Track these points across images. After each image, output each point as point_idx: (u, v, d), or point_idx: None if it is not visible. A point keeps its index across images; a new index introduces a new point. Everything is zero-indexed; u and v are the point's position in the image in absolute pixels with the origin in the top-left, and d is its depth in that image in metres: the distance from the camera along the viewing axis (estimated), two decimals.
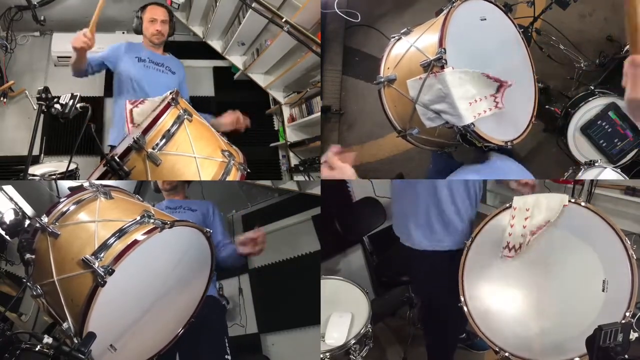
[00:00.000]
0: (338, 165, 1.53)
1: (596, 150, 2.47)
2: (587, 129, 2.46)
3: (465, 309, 1.69)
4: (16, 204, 2.47)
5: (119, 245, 1.29)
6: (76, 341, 1.23)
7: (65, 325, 1.26)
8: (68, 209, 1.42)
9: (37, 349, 1.21)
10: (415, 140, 1.73)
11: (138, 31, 2.70)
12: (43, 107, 1.66)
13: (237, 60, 4.08)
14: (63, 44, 3.97)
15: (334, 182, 2.81)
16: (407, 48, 1.64)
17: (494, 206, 3.48)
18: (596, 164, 2.33)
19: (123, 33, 4.21)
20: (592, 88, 2.55)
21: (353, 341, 1.83)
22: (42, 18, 3.59)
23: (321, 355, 1.80)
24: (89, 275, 1.24)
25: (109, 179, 1.47)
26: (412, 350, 2.63)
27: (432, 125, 1.58)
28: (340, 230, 2.79)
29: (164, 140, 1.44)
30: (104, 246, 1.28)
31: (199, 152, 1.49)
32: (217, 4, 3.49)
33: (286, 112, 4.05)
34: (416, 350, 2.60)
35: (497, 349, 1.56)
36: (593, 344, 1.15)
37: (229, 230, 3.62)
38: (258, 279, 3.72)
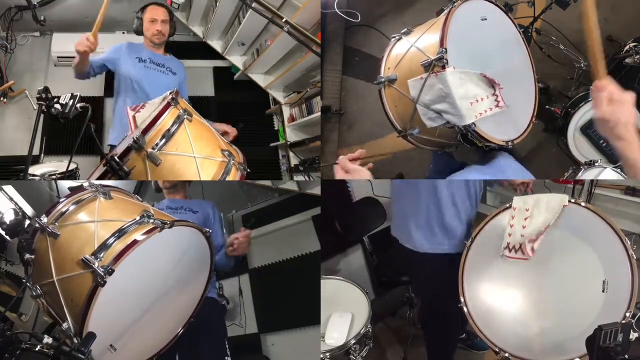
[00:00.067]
0: (353, 168, 1.54)
1: (596, 150, 2.47)
2: (587, 129, 2.46)
3: (465, 309, 1.69)
4: (16, 204, 2.47)
5: (118, 245, 1.29)
6: (76, 341, 1.23)
7: (65, 325, 1.26)
8: (67, 209, 1.41)
9: (37, 349, 1.21)
10: (415, 140, 1.72)
11: (138, 32, 2.70)
12: (43, 107, 1.66)
13: (237, 60, 4.08)
14: (63, 44, 3.97)
15: (334, 182, 2.81)
16: (407, 48, 1.64)
17: (494, 206, 3.48)
18: (596, 164, 2.33)
19: (123, 33, 4.21)
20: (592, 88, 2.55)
21: (353, 341, 1.83)
22: (42, 18, 3.59)
23: (321, 355, 1.80)
24: (88, 275, 1.24)
25: (109, 179, 1.47)
26: (412, 350, 2.63)
27: (433, 125, 1.58)
28: (340, 230, 2.79)
29: (163, 140, 1.44)
30: (104, 246, 1.28)
31: (198, 152, 1.49)
32: (217, 4, 3.49)
33: (286, 112, 4.05)
34: (416, 350, 2.60)
35: (497, 350, 1.56)
36: (593, 344, 1.15)
37: (229, 230, 3.62)
38: (258, 279, 3.72)
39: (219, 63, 4.42)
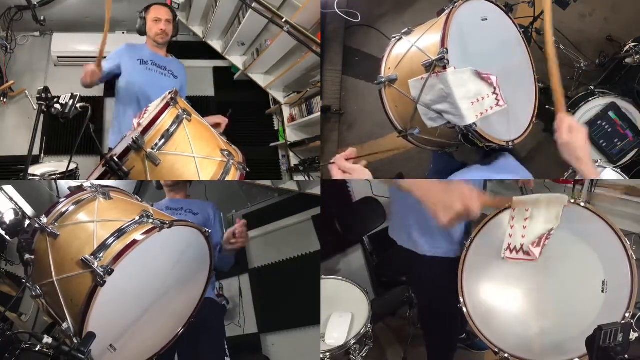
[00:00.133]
0: (352, 167, 1.52)
1: (596, 150, 2.48)
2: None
3: (464, 309, 1.69)
4: (16, 204, 2.46)
5: (118, 245, 1.29)
6: (76, 341, 1.23)
7: (65, 325, 1.26)
8: (67, 210, 1.42)
9: (37, 349, 1.21)
10: (416, 140, 1.72)
11: (142, 32, 2.69)
12: (43, 107, 1.66)
13: (237, 60, 4.08)
14: (63, 44, 3.98)
15: (334, 182, 2.81)
16: (408, 48, 1.64)
17: None
18: (596, 164, 2.33)
19: (123, 33, 4.21)
20: (592, 88, 2.55)
21: (353, 341, 1.83)
22: (42, 18, 3.59)
23: (321, 355, 1.80)
24: (88, 275, 1.24)
25: (108, 179, 1.47)
26: (412, 350, 2.63)
27: (433, 126, 1.58)
28: (340, 230, 2.79)
29: (163, 140, 1.44)
30: (103, 246, 1.28)
31: (198, 152, 1.49)
32: (217, 4, 3.49)
33: (286, 112, 4.05)
34: (416, 350, 2.60)
35: (496, 350, 1.56)
36: (593, 344, 1.15)
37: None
38: (258, 279, 3.72)
39: (219, 63, 4.42)
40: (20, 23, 3.80)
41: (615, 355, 1.12)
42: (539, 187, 2.70)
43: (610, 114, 2.43)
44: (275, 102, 4.19)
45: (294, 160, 3.97)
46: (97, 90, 4.06)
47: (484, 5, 1.71)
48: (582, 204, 1.57)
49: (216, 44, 4.14)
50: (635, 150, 2.45)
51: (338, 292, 2.13)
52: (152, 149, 1.41)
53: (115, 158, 1.41)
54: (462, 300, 1.70)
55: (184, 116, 1.50)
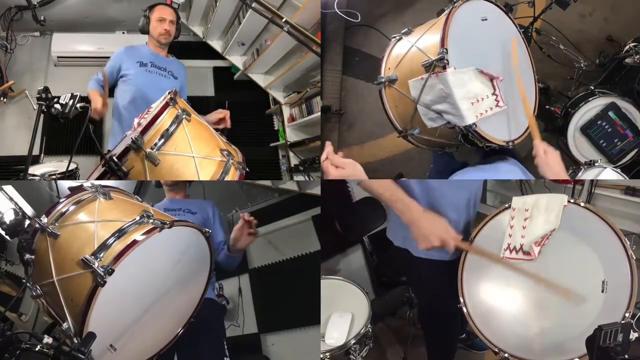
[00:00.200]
0: (344, 162, 1.50)
1: (596, 150, 2.47)
2: (587, 129, 2.46)
3: (464, 309, 1.69)
4: (16, 204, 2.47)
5: (118, 246, 1.29)
6: (76, 341, 1.23)
7: (65, 325, 1.27)
8: (67, 210, 1.42)
9: (37, 349, 1.21)
10: (416, 140, 1.72)
11: (144, 31, 2.68)
12: (43, 107, 1.66)
13: (237, 60, 4.08)
14: (63, 44, 3.98)
15: (334, 182, 2.81)
16: (408, 48, 1.64)
17: (493, 206, 3.49)
18: (596, 164, 2.33)
19: (123, 33, 4.21)
20: (592, 88, 2.55)
21: (353, 341, 1.83)
22: (42, 18, 3.59)
23: (321, 355, 1.80)
24: (88, 275, 1.24)
25: (108, 179, 1.47)
26: (412, 350, 2.63)
27: (433, 126, 1.58)
28: (340, 230, 2.78)
29: (162, 140, 1.44)
30: (104, 246, 1.28)
31: (197, 152, 1.49)
32: (217, 4, 3.49)
33: (286, 112, 4.05)
34: (416, 350, 2.60)
35: (496, 350, 1.56)
36: (593, 344, 1.15)
37: (229, 230, 3.62)
38: (258, 279, 3.72)
39: (219, 63, 4.42)
40: (20, 23, 3.80)
41: (615, 355, 1.12)
42: (539, 187, 2.70)
43: (610, 114, 2.43)
44: (275, 102, 4.19)
45: (294, 160, 3.97)
46: None
47: (484, 5, 1.71)
48: (582, 204, 1.58)
49: (216, 44, 4.14)
50: (635, 150, 2.45)
51: (338, 292, 2.13)
52: (152, 149, 1.42)
53: (114, 158, 1.41)
54: (462, 300, 1.70)
55: (184, 116, 1.50)
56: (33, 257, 1.33)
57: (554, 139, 2.70)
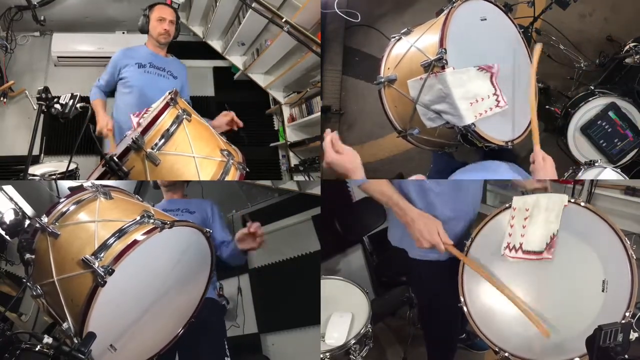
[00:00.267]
0: (344, 149, 1.49)
1: (596, 150, 2.47)
2: (587, 129, 2.46)
3: (465, 309, 1.69)
4: (16, 204, 2.47)
5: (118, 245, 1.29)
6: (76, 341, 1.23)
7: (65, 325, 1.27)
8: (68, 209, 1.42)
9: (37, 349, 1.21)
10: (415, 140, 1.73)
11: (144, 30, 2.68)
12: (43, 107, 1.66)
13: (237, 60, 4.08)
14: (63, 44, 3.98)
15: (334, 182, 2.81)
16: (407, 48, 1.64)
17: (493, 206, 3.48)
18: (596, 164, 2.33)
19: (123, 33, 4.21)
20: (592, 88, 2.55)
21: (353, 341, 1.83)
22: (42, 18, 3.59)
23: (321, 355, 1.80)
24: (88, 275, 1.24)
25: (108, 179, 1.47)
26: (412, 350, 2.63)
27: (432, 126, 1.58)
28: (340, 230, 2.79)
29: (162, 140, 1.44)
30: (104, 246, 1.28)
31: (197, 152, 1.49)
32: (217, 4, 3.49)
33: (286, 112, 4.06)
34: (416, 350, 2.60)
35: (497, 349, 1.56)
36: (593, 344, 1.15)
37: (229, 230, 3.62)
38: (258, 279, 3.72)
39: (219, 63, 4.42)
40: (20, 23, 3.80)
41: (615, 355, 1.12)
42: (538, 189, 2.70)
43: (610, 114, 2.43)
44: (275, 102, 4.19)
45: (294, 160, 3.97)
46: None
47: (483, 5, 1.71)
48: (582, 204, 1.58)
49: (216, 44, 4.14)
50: (635, 150, 2.45)
51: (338, 292, 2.13)
52: (152, 149, 1.42)
53: (115, 158, 1.41)
54: (462, 300, 1.70)
55: (184, 116, 1.50)
56: (33, 256, 1.33)
57: (554, 139, 2.70)
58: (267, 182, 3.68)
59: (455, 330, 2.32)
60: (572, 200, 1.59)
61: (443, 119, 1.54)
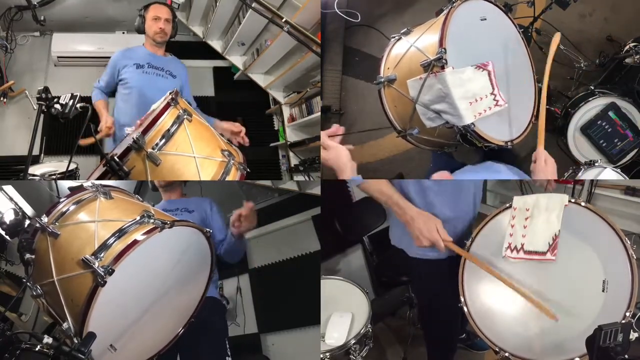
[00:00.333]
0: (330, 145, 1.51)
1: (596, 150, 2.47)
2: (587, 129, 2.46)
3: (465, 309, 1.69)
4: (16, 204, 2.47)
5: (118, 245, 1.29)
6: (76, 341, 1.23)
7: (65, 325, 1.27)
8: (68, 209, 1.42)
9: (37, 349, 1.21)
10: (415, 140, 1.73)
11: (140, 30, 2.68)
12: (43, 107, 1.66)
13: (237, 60, 4.08)
14: (63, 44, 3.98)
15: (334, 182, 2.81)
16: (407, 48, 1.64)
17: (494, 206, 3.49)
18: (596, 164, 2.33)
19: (123, 33, 4.21)
20: (592, 88, 2.55)
21: (353, 341, 1.83)
22: (42, 18, 3.59)
23: (321, 355, 1.80)
24: (88, 275, 1.24)
25: (109, 179, 1.47)
26: (412, 350, 2.63)
27: (432, 125, 1.58)
28: (340, 230, 2.78)
29: (163, 140, 1.44)
30: (104, 246, 1.28)
31: (198, 152, 1.49)
32: (217, 4, 3.49)
33: (286, 112, 4.06)
34: (416, 350, 2.60)
35: (497, 349, 1.56)
36: (593, 344, 1.15)
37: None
38: (258, 278, 3.72)
39: (219, 63, 4.42)
40: (20, 23, 3.80)
41: (615, 355, 1.12)
42: (539, 187, 2.70)
43: (610, 114, 2.43)
44: (275, 102, 4.19)
45: (294, 160, 3.97)
46: None
47: (483, 5, 1.71)
48: (582, 204, 1.58)
49: (216, 44, 4.14)
50: (635, 150, 2.45)
51: (338, 292, 2.13)
52: (153, 148, 1.42)
53: (115, 158, 1.41)
54: (462, 299, 1.70)
55: (185, 116, 1.50)
56: (33, 256, 1.33)
57: (554, 139, 2.70)
58: (267, 182, 3.68)
59: (455, 330, 2.32)
60: (573, 200, 1.59)
61: (443, 118, 1.54)
